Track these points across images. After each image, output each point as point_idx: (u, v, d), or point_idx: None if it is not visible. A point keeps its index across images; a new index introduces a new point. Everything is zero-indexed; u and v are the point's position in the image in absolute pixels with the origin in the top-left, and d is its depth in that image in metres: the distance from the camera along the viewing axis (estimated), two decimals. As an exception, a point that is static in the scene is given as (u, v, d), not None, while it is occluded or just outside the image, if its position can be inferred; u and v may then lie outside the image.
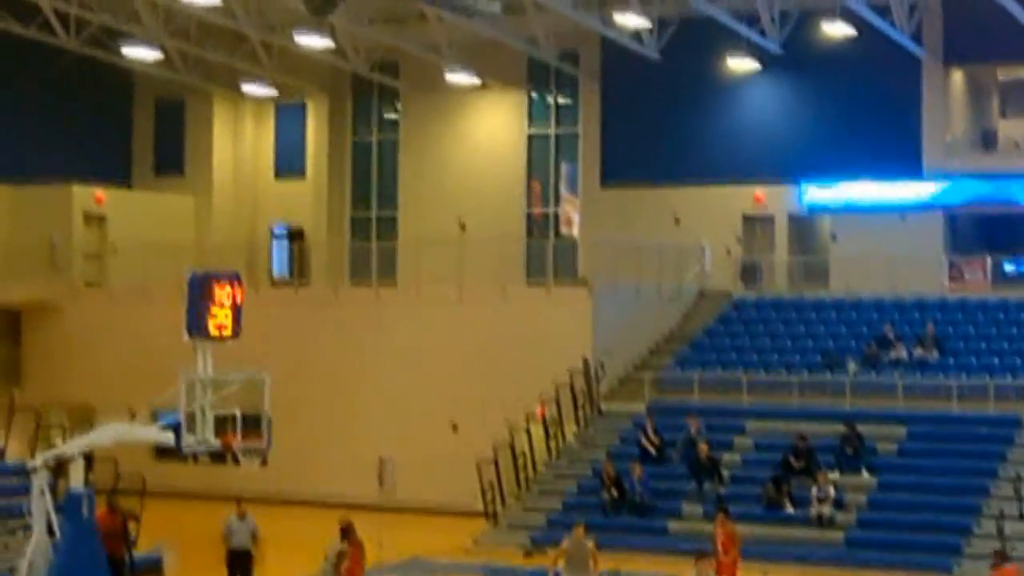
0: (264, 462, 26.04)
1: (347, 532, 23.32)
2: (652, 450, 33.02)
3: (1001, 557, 22.67)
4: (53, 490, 23.92)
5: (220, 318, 23.47)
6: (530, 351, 35.91)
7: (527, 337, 36.33)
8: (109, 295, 41.64)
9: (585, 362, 35.35)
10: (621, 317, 37.23)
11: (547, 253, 39.97)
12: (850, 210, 40.56)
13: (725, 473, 32.04)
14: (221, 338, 23.38)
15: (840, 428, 32.00)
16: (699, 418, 33.15)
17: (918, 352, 35.13)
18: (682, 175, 41.74)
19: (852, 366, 34.97)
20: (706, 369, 35.91)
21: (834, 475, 30.90)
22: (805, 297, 39.51)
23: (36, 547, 23.54)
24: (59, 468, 24.36)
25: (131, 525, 26.91)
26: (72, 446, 24.21)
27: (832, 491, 30.36)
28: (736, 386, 34.97)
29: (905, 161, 39.69)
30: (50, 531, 23.51)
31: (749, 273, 41.61)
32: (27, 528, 24.58)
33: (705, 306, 39.95)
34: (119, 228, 43.43)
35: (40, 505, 23.65)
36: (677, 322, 39.45)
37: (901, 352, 35.18)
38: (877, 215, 39.85)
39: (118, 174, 46.60)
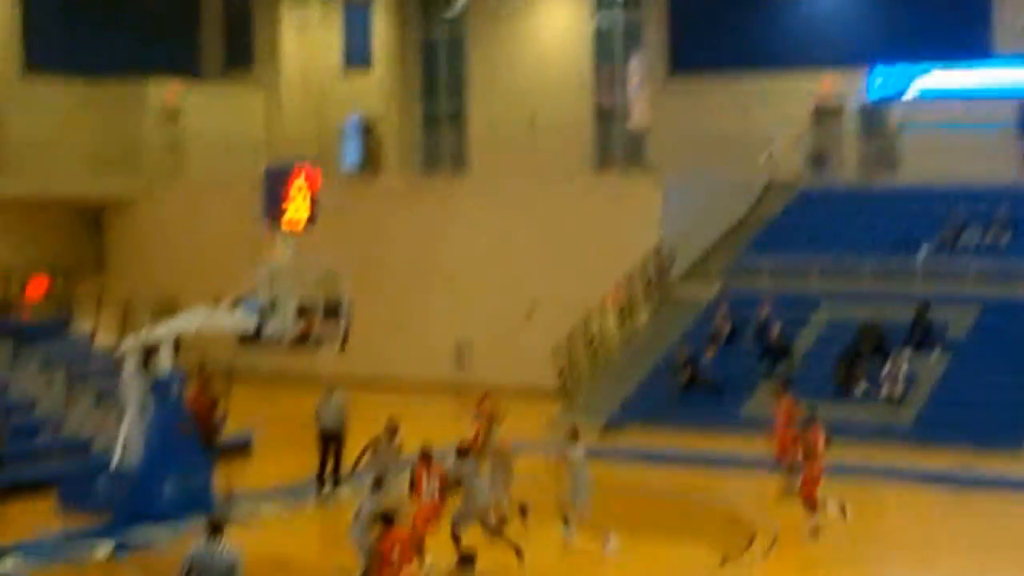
0: (344, 347, 26.56)
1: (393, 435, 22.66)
2: (724, 333, 33.38)
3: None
4: (143, 373, 24.61)
5: (297, 207, 23.99)
6: (601, 239, 36.24)
7: (598, 225, 36.63)
8: (187, 189, 42.21)
9: (657, 248, 35.66)
10: (691, 205, 37.38)
11: (616, 143, 40.05)
12: (920, 96, 40.39)
13: (797, 355, 32.36)
14: (298, 227, 23.92)
15: (911, 311, 32.20)
16: (770, 302, 33.42)
17: (990, 236, 35.15)
18: (750, 63, 41.61)
19: (923, 251, 35.00)
20: (777, 255, 36.08)
21: (905, 356, 31.14)
22: (875, 185, 39.51)
23: (129, 428, 24.32)
24: (148, 353, 25.04)
25: (219, 405, 27.61)
26: (159, 332, 24.85)
27: (903, 372, 30.63)
28: (807, 271, 35.17)
29: (976, 45, 39.42)
30: (142, 411, 24.23)
31: (818, 162, 41.61)
32: (120, 410, 25.35)
33: (774, 195, 39.95)
34: (192, 123, 43.95)
35: (131, 388, 24.37)
36: (746, 211, 39.52)
37: (973, 237, 35.20)
38: (947, 101, 39.66)
39: (188, 69, 46.98)
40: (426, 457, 20.40)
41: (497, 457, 22.75)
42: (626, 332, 35.19)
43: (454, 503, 20.56)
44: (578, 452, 21.68)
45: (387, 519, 16.84)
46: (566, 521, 21.71)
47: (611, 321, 34.98)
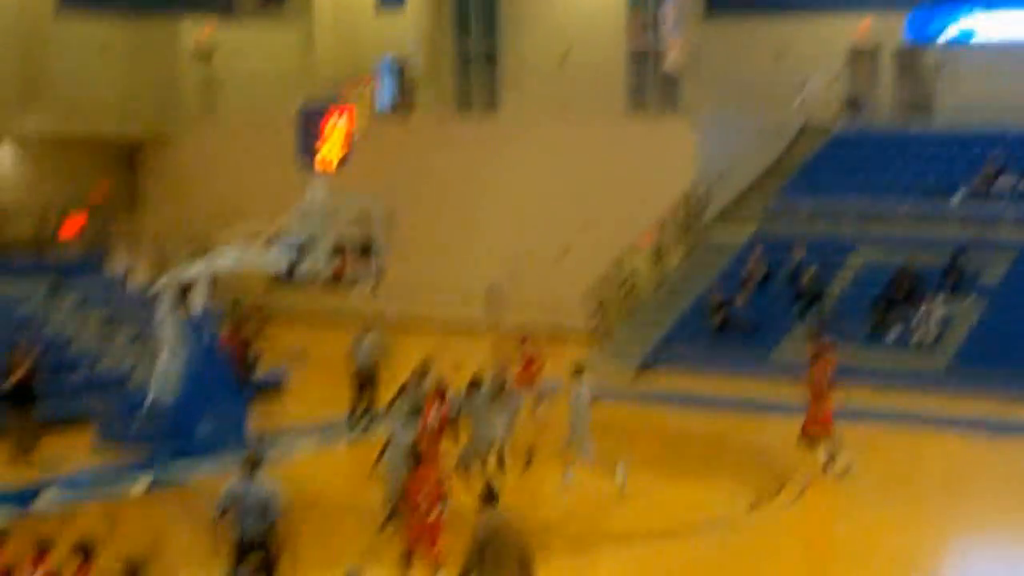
0: (376, 288, 26.67)
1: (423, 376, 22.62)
2: (757, 277, 33.36)
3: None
4: (178, 311, 24.77)
5: (331, 147, 24.09)
6: (635, 181, 36.20)
7: (632, 167, 36.59)
8: (221, 127, 42.26)
9: (691, 191, 35.60)
10: (725, 148, 37.30)
11: (650, 85, 39.91)
12: (957, 41, 40.10)
13: (831, 299, 32.33)
14: (331, 167, 24.02)
15: (946, 257, 32.11)
16: (804, 246, 33.35)
17: (1024, 183, 35.01)
18: (786, 5, 41.30)
19: (958, 196, 34.86)
20: (811, 199, 35.95)
21: (938, 302, 31.07)
22: (910, 130, 39.28)
23: (165, 365, 24.51)
24: (183, 291, 25.21)
25: (253, 344, 27.81)
26: (193, 270, 25.00)
27: (936, 317, 30.57)
28: (841, 216, 35.08)
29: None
30: (177, 349, 24.42)
31: (854, 105, 41.39)
32: (156, 348, 25.54)
33: (809, 138, 39.81)
34: (226, 62, 43.96)
35: (167, 325, 24.56)
36: (781, 154, 39.39)
37: (1008, 182, 35.01)
38: (985, 45, 39.36)
39: (222, 7, 46.86)
40: (440, 393, 20.86)
41: (506, 398, 22.81)
42: (659, 275, 35.21)
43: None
44: (583, 390, 21.72)
45: (416, 457, 17.03)
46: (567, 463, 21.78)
47: (644, 263, 34.98)
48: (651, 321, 33.72)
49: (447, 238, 38.79)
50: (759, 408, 27.75)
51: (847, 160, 38.22)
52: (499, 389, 22.38)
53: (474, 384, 21.60)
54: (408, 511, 16.79)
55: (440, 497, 16.97)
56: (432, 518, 16.51)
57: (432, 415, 20.57)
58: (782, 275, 33.34)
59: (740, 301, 32.21)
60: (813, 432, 22.47)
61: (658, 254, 35.16)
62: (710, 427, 26.65)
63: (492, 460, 21.36)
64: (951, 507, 21.67)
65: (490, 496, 14.51)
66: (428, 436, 20.06)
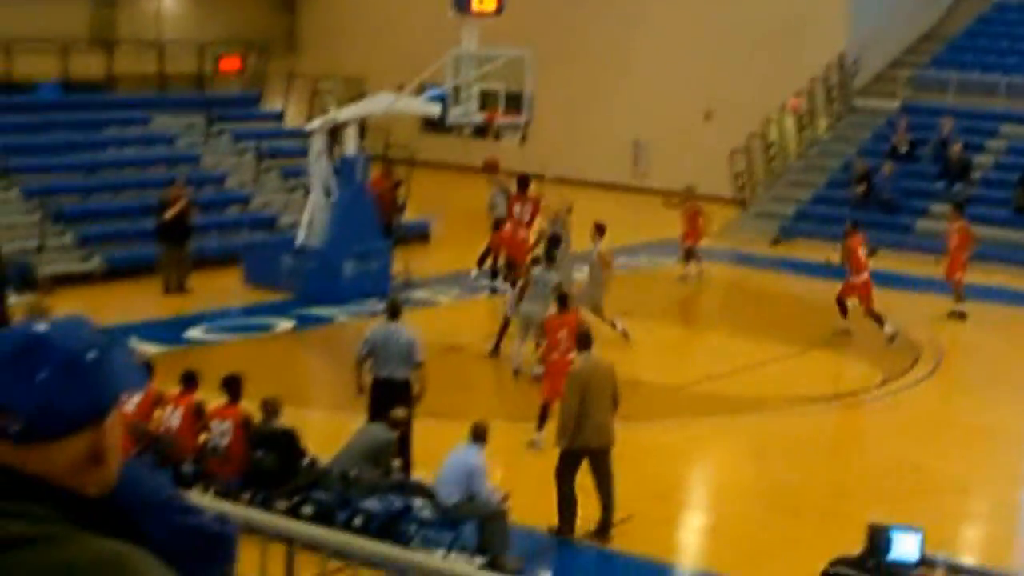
0: (524, 138, 27.05)
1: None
2: (904, 148, 33.08)
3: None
4: (329, 154, 25.32)
5: (486, -5, 24.38)
6: (785, 43, 35.71)
7: (783, 29, 36.09)
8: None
9: (841, 56, 35.23)
10: (879, 12, 36.56)
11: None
12: None
13: (976, 175, 32.02)
14: (485, 14, 24.29)
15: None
16: (953, 119, 32.95)
17: None
18: None
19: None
20: (964, 70, 35.42)
21: (1087, 183, 30.67)
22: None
23: (314, 206, 25.13)
24: (335, 133, 25.76)
25: (401, 190, 28.34)
26: (346, 113, 25.50)
27: (1084, 197, 30.21)
28: (994, 89, 34.46)
29: None
30: (327, 191, 25.00)
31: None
32: (306, 188, 26.18)
33: (966, 6, 38.96)
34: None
35: (318, 167, 25.10)
36: (936, 21, 38.66)
37: None
38: None
39: None
40: (522, 184, 24.11)
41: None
42: (805, 141, 35.01)
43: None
44: (599, 249, 22.17)
45: (562, 300, 17.59)
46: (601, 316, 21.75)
47: (790, 129, 34.80)
48: (793, 188, 33.67)
49: (597, 93, 38.74)
50: (897, 283, 27.57)
51: (1005, 31, 37.39)
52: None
53: (553, 241, 21.77)
54: (549, 348, 17.27)
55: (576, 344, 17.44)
56: (573, 356, 16.89)
57: (518, 209, 24.06)
58: (929, 148, 32.99)
59: (885, 172, 32.00)
60: (866, 302, 22.81)
61: (805, 120, 34.92)
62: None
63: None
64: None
65: (585, 340, 14.96)
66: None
